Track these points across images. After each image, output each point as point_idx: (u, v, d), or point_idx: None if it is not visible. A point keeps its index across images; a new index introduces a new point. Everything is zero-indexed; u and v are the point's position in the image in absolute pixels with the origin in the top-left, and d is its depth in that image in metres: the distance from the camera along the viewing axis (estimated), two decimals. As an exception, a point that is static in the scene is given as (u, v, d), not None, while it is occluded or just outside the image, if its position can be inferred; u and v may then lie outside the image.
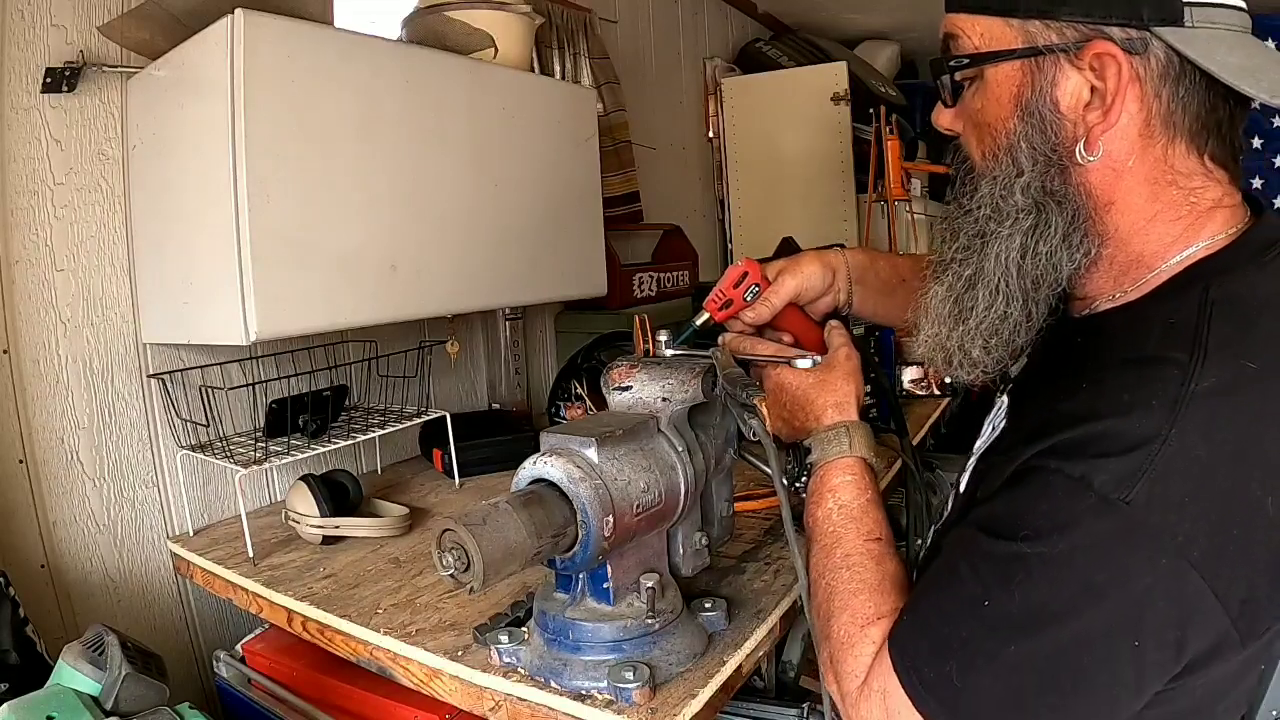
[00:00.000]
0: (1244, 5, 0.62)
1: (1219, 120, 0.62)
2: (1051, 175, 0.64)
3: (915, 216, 3.17)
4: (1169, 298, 0.62)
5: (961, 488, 0.78)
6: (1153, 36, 0.59)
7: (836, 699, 0.69)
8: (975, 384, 0.76)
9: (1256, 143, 3.64)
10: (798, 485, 0.86)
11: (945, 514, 0.82)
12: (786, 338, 0.99)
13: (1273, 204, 3.43)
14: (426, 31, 1.53)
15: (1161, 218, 0.63)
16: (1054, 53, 0.62)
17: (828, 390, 0.87)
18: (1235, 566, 0.54)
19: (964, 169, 0.72)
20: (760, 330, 0.99)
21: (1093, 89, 0.62)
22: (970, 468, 0.77)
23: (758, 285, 0.96)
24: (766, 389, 0.90)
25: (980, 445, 0.77)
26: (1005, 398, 0.77)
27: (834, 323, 0.98)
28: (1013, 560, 0.57)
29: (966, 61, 0.66)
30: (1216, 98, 0.61)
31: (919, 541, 1.07)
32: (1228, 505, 0.54)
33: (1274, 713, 0.90)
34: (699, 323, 0.98)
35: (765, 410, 0.85)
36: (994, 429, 0.76)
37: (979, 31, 0.65)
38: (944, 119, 0.73)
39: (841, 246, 1.07)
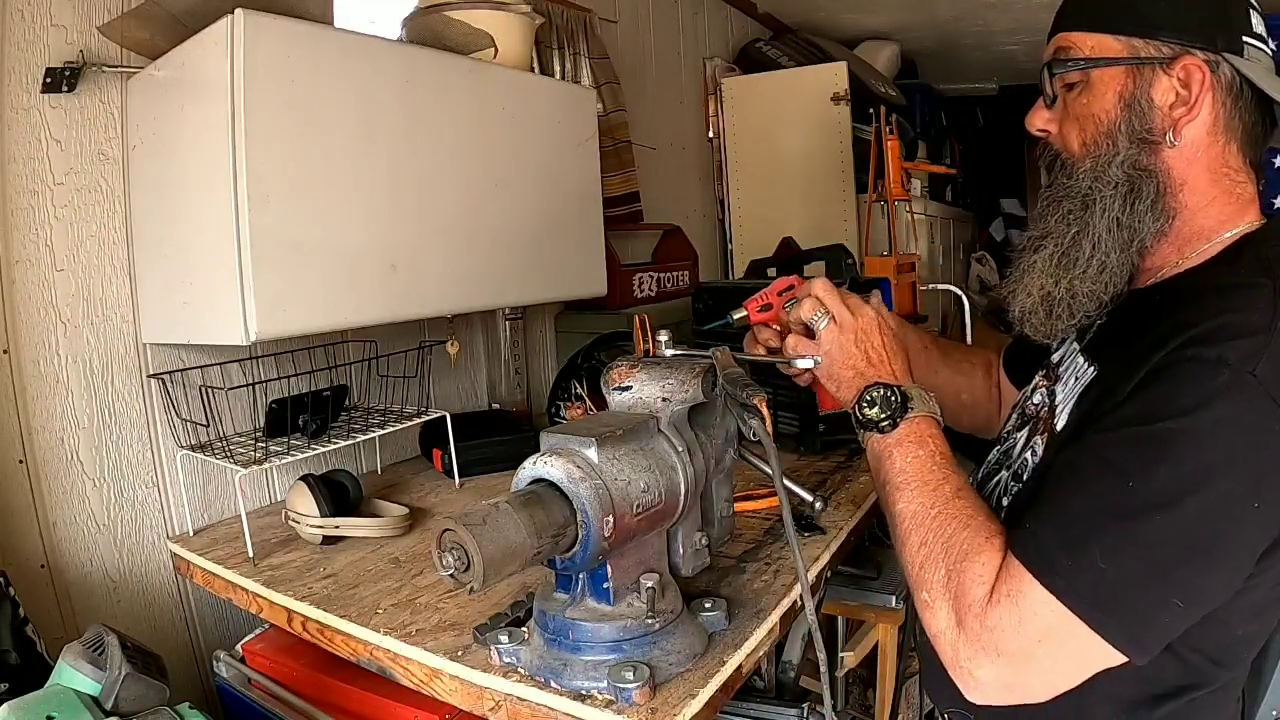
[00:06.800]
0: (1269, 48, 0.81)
1: (1258, 135, 0.80)
2: (1144, 154, 0.79)
3: (915, 216, 3.17)
4: (1229, 261, 0.77)
5: (1026, 443, 0.89)
6: (1223, 60, 0.76)
7: (949, 623, 0.72)
8: (1063, 334, 0.88)
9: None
10: (884, 421, 0.84)
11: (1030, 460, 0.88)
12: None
13: (1272, 204, 3.43)
14: (426, 31, 1.53)
15: (1218, 200, 0.79)
16: (1153, 63, 0.78)
17: (901, 345, 0.93)
18: None
19: (1059, 160, 0.86)
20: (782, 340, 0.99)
21: (1177, 94, 0.77)
22: (1066, 410, 0.84)
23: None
24: (850, 321, 0.91)
25: (1067, 395, 0.85)
26: (1080, 356, 0.87)
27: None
28: (1157, 441, 0.66)
29: (1083, 64, 0.81)
30: (1258, 115, 0.79)
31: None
32: None
33: (1274, 713, 0.91)
34: (735, 318, 1.00)
35: (766, 410, 0.85)
36: (1076, 379, 0.85)
37: (1090, 45, 0.81)
38: (1039, 120, 0.87)
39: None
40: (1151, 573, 0.65)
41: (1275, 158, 3.68)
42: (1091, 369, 0.83)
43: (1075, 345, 0.91)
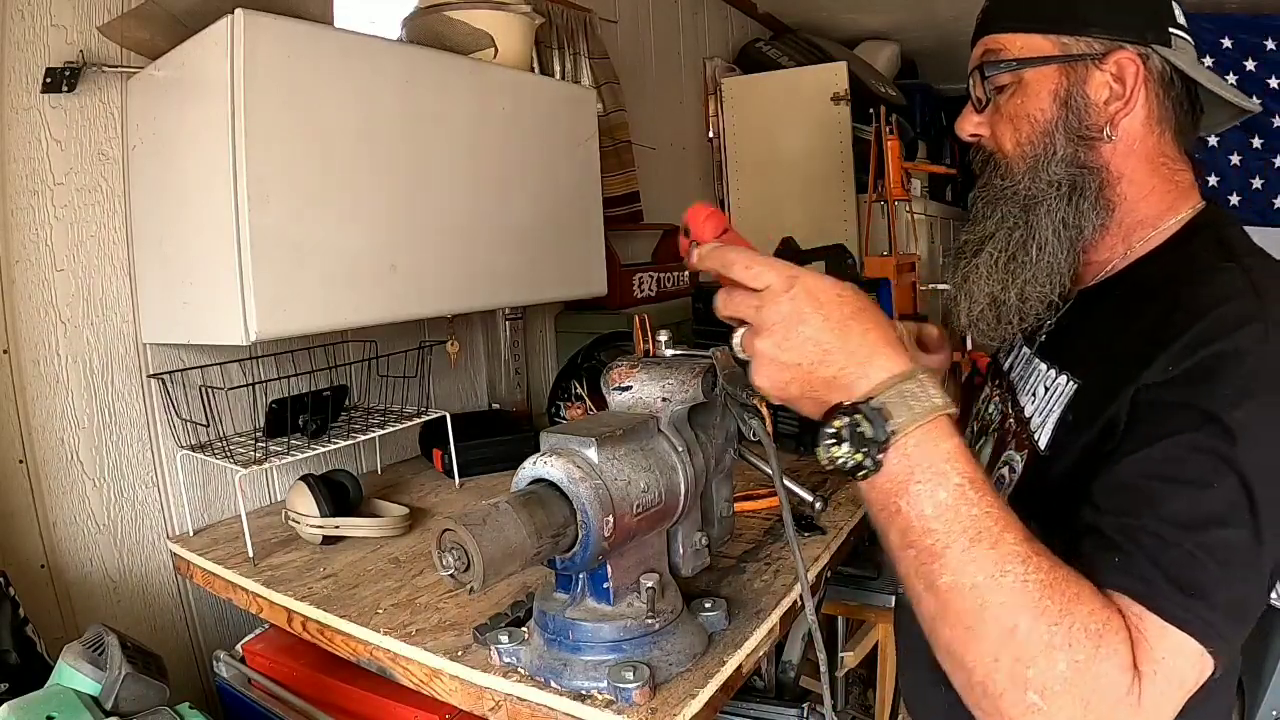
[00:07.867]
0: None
1: (1187, 123, 0.80)
2: (1082, 150, 0.78)
3: (915, 216, 3.17)
4: (1182, 245, 0.77)
5: (996, 458, 0.82)
6: (1153, 52, 0.76)
7: None
8: (1006, 340, 0.86)
9: (1256, 142, 3.57)
10: (862, 464, 0.59)
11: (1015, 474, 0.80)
12: None
13: (1272, 204, 3.41)
14: (426, 31, 1.53)
15: (1158, 190, 0.79)
16: (1085, 59, 0.77)
17: (868, 316, 0.62)
18: None
19: (992, 162, 0.84)
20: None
21: (1111, 88, 0.77)
22: (1048, 427, 0.76)
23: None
24: (770, 321, 0.63)
25: (1040, 408, 0.79)
26: (1042, 364, 0.83)
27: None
28: (1215, 442, 0.62)
29: (1015, 65, 0.80)
30: (1187, 104, 0.79)
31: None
32: None
33: (1274, 713, 0.91)
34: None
35: (766, 410, 0.84)
36: (1047, 389, 0.80)
37: (1019, 46, 0.80)
38: (969, 125, 0.85)
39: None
40: (1255, 568, 0.61)
41: (1275, 157, 3.68)
42: (1065, 379, 0.77)
43: (1026, 350, 0.87)
